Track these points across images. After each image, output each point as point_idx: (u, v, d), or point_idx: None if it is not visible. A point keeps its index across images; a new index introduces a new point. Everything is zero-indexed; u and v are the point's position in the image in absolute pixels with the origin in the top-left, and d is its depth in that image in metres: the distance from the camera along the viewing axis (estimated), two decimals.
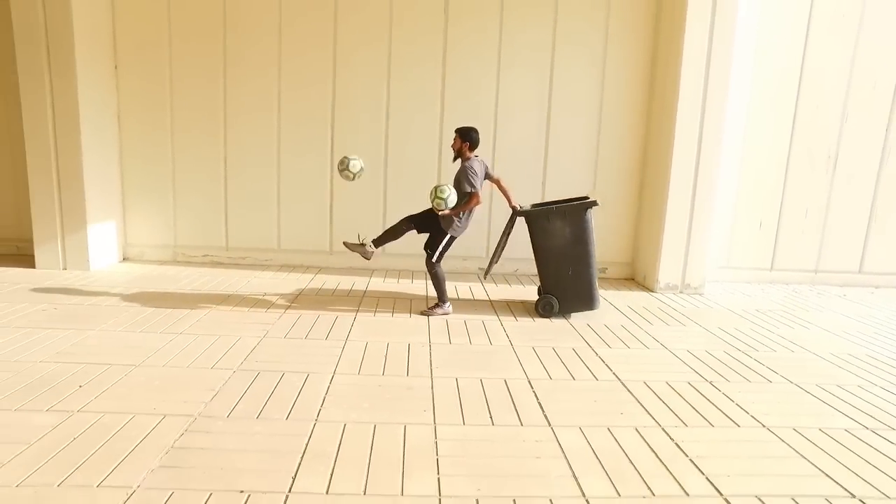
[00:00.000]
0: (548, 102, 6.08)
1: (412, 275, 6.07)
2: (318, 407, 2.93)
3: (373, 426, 2.75)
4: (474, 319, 4.60)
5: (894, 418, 3.09)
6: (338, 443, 2.58)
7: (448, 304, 4.69)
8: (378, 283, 5.70)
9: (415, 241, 4.78)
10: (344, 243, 4.72)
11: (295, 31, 5.85)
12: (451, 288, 5.59)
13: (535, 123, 6.11)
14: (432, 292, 5.11)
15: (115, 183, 5.99)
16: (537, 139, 6.14)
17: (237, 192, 6.13)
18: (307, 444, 2.55)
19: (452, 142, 4.57)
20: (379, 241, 4.65)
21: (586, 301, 4.74)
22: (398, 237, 4.67)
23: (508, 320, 4.64)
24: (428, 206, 4.48)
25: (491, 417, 2.90)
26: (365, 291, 5.37)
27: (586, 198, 4.73)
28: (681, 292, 5.85)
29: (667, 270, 5.82)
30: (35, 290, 4.90)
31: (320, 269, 6.15)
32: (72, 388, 3.04)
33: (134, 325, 4.10)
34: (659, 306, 5.30)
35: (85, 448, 2.45)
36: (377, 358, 3.66)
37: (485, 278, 5.05)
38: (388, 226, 4.81)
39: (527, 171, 6.16)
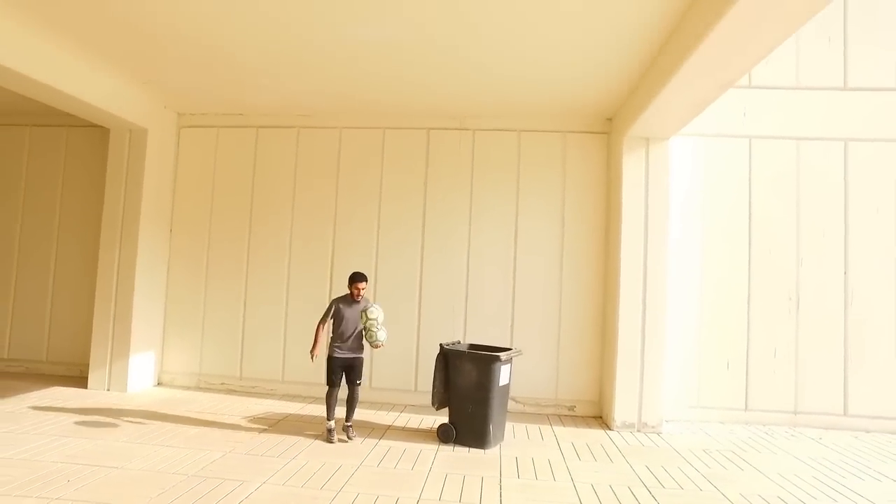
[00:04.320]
0: (513, 256, 7.01)
1: (391, 406, 6.75)
2: None
3: None
4: (414, 448, 5.18)
5: None
6: None
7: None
8: (358, 413, 6.42)
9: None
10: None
11: (304, 202, 7.35)
12: (407, 419, 6.22)
13: (502, 275, 7.00)
14: (368, 418, 5.73)
15: (159, 319, 7.41)
16: (504, 287, 6.98)
17: (252, 330, 7.32)
18: None
19: (362, 288, 5.42)
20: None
21: (479, 439, 5.27)
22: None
23: (446, 450, 5.17)
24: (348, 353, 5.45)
25: None
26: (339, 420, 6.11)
27: (503, 350, 5.53)
28: (638, 431, 6.07)
29: (622, 409, 6.13)
30: (77, 408, 6.08)
31: (315, 399, 6.98)
32: (62, 481, 3.98)
33: (134, 437, 5.08)
34: (603, 443, 5.59)
35: None
36: (305, 475, 4.34)
37: (436, 409, 5.64)
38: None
39: (496, 314, 6.95)
